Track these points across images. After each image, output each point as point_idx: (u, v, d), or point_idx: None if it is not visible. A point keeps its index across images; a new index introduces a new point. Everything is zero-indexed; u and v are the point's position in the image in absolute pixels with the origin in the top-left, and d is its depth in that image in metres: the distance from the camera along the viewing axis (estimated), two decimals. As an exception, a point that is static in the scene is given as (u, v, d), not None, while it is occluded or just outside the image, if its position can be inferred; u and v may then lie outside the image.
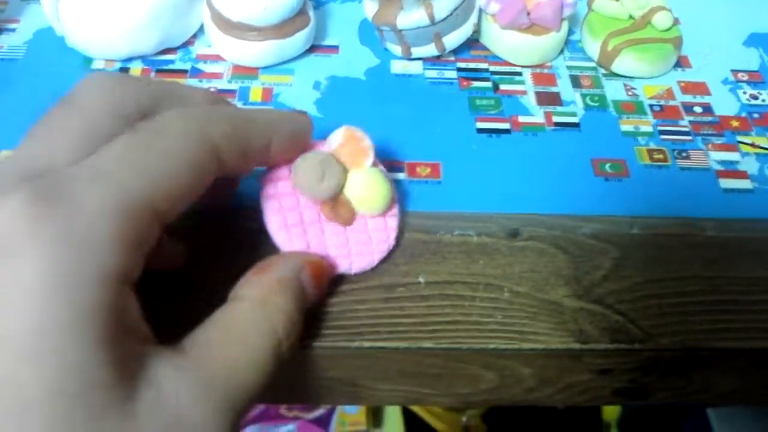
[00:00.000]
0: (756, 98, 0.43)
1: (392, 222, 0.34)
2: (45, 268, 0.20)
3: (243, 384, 0.25)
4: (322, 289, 0.31)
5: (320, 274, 0.30)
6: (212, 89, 0.41)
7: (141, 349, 0.23)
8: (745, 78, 0.45)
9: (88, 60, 0.43)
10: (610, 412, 0.97)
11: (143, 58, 0.43)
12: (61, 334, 0.20)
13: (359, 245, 0.32)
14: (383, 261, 0.33)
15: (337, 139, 0.33)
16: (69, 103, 0.26)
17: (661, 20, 0.43)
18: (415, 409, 0.94)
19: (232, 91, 0.41)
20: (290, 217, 0.31)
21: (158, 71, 0.43)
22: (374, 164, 0.33)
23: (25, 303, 0.20)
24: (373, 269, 0.33)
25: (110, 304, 0.21)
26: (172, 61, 0.43)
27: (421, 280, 0.33)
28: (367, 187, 0.32)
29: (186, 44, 0.44)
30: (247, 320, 0.26)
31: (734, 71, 0.45)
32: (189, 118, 0.26)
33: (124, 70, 0.42)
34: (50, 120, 0.25)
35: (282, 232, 0.31)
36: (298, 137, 0.31)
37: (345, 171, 0.32)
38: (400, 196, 0.35)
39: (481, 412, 0.94)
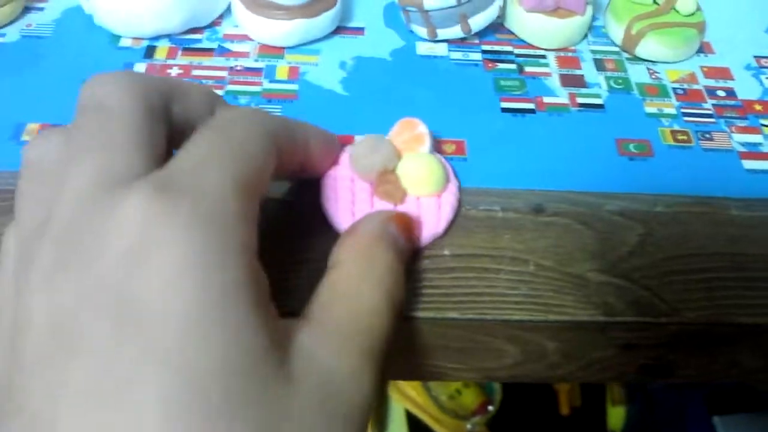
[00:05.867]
0: (779, 83, 0.43)
1: (446, 208, 0.34)
2: (187, 250, 0.21)
3: (370, 332, 0.25)
4: (412, 242, 0.32)
5: (407, 226, 0.31)
6: (238, 67, 0.42)
7: (279, 319, 0.24)
8: (768, 64, 0.45)
9: (116, 38, 0.43)
10: (615, 420, 0.97)
11: (170, 36, 0.44)
12: (220, 307, 0.21)
13: None
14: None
15: (393, 128, 0.35)
16: (102, 109, 0.25)
17: (685, 5, 0.43)
18: (420, 415, 0.94)
19: (258, 70, 0.42)
20: (342, 193, 0.33)
21: (185, 50, 0.43)
22: (432, 152, 0.35)
23: (179, 285, 0.20)
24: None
25: (253, 273, 0.22)
26: (199, 40, 0.44)
27: (447, 252, 0.33)
28: (418, 166, 0.33)
29: (213, 24, 0.45)
30: (353, 275, 0.27)
31: (757, 57, 0.45)
32: (247, 113, 0.27)
33: (151, 48, 0.43)
34: (92, 130, 0.24)
35: (331, 203, 0.33)
36: (331, 145, 0.33)
37: (398, 154, 0.34)
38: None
39: (486, 419, 0.95)
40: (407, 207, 0.33)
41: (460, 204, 0.35)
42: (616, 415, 0.97)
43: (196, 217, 0.21)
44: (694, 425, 0.82)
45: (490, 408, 0.95)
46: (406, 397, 0.94)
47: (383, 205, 0.33)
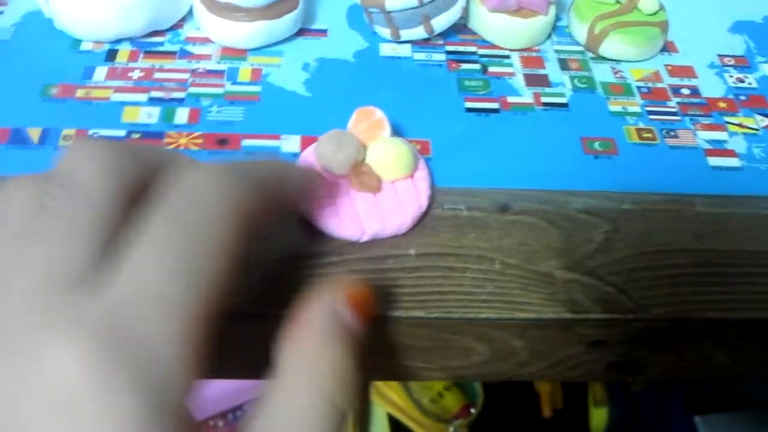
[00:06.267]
0: (742, 81, 0.43)
1: (422, 184, 0.35)
2: (116, 423, 0.19)
3: None
4: (368, 317, 0.27)
5: (361, 302, 0.27)
6: (201, 69, 0.41)
7: None
8: (732, 62, 0.45)
9: (77, 42, 0.43)
10: (598, 421, 0.97)
11: (131, 40, 0.43)
12: None
13: (390, 207, 0.33)
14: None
15: (351, 119, 0.36)
16: (67, 186, 0.23)
17: (647, 4, 0.44)
18: (403, 419, 0.94)
19: (220, 72, 0.41)
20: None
21: (146, 53, 0.42)
22: (393, 135, 0.35)
23: None
24: (364, 242, 0.33)
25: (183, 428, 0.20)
26: (161, 43, 0.43)
27: (412, 251, 0.33)
28: (386, 152, 0.34)
29: (175, 27, 0.44)
30: (301, 405, 0.23)
31: (720, 56, 0.45)
32: (211, 186, 0.23)
33: (113, 51, 0.42)
34: (51, 206, 0.22)
35: (313, 206, 0.33)
36: (310, 184, 0.31)
37: (363, 144, 0.34)
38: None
39: (468, 422, 0.94)
40: (385, 194, 0.34)
41: (432, 178, 0.36)
42: (598, 416, 0.97)
43: (133, 384, 0.19)
44: (676, 425, 0.82)
45: (473, 411, 0.95)
46: (387, 400, 0.94)
47: (363, 196, 0.33)
